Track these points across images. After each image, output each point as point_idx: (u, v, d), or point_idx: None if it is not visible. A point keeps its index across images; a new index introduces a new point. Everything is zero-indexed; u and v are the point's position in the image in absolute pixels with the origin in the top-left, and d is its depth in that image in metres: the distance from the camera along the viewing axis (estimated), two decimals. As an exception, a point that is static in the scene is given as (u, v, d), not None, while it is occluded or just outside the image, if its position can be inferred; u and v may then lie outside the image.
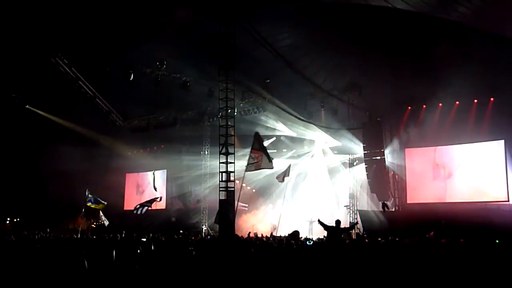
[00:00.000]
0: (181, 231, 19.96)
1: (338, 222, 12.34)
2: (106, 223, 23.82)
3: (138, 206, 20.08)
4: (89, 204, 23.13)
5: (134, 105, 24.65)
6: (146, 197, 28.27)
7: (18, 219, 27.27)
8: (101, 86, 23.58)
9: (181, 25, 19.12)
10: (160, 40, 20.39)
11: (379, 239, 15.47)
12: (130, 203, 30.56)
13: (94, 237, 18.38)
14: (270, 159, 15.33)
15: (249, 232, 19.88)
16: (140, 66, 21.34)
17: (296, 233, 12.15)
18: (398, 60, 21.71)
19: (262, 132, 24.79)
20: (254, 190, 27.67)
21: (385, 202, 20.79)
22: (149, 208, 20.16)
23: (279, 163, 26.75)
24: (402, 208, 22.38)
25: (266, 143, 25.64)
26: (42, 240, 11.37)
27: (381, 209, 20.78)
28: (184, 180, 27.56)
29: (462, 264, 6.90)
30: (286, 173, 21.20)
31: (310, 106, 23.59)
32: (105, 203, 23.11)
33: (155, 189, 23.89)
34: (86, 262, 4.78)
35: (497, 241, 9.13)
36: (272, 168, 16.01)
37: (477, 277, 6.49)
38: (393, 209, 22.12)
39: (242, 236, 15.32)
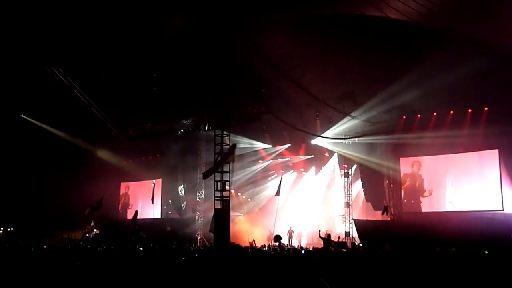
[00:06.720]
0: (174, 242, 19.78)
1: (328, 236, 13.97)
2: (92, 234, 23.91)
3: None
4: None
5: (129, 114, 24.60)
6: (140, 206, 28.26)
7: (12, 228, 27.04)
8: (96, 95, 23.54)
9: (176, 33, 19.18)
10: (155, 49, 20.43)
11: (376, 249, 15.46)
12: (125, 212, 30.46)
13: (89, 247, 18.28)
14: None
15: (253, 240, 19.71)
16: (135, 75, 21.33)
17: (278, 237, 12.57)
18: (393, 69, 21.86)
19: (257, 141, 24.97)
20: (249, 200, 27.68)
21: (386, 206, 20.88)
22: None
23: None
24: (398, 217, 22.39)
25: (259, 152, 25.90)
26: (37, 250, 11.27)
27: (377, 217, 20.80)
28: (179, 189, 27.47)
29: (456, 274, 6.90)
30: (280, 187, 21.67)
31: (306, 116, 23.62)
32: None
33: (152, 200, 23.67)
34: (80, 272, 4.74)
35: (485, 251, 9.11)
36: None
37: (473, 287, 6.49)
38: (389, 218, 22.13)
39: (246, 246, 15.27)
